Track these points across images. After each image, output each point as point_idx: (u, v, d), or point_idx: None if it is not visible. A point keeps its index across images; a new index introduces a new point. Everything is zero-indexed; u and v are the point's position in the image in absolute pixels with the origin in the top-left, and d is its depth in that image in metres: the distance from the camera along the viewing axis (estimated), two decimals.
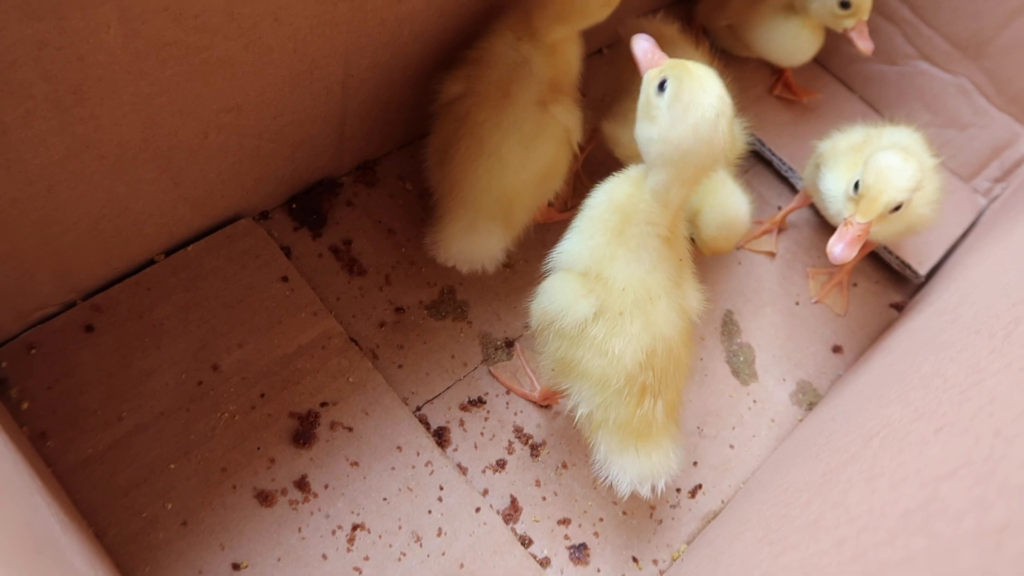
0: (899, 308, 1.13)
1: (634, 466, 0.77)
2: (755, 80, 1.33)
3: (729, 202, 0.95)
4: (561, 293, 0.77)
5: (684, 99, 0.70)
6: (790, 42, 1.19)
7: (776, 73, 1.33)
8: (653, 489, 0.77)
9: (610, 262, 0.76)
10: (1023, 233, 0.85)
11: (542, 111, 0.90)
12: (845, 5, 1.08)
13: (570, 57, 0.94)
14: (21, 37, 0.59)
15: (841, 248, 0.87)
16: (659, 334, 0.75)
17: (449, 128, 0.91)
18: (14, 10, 0.57)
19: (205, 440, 0.80)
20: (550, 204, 1.02)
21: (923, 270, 1.13)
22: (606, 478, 0.79)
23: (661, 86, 0.73)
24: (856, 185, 0.90)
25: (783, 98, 1.31)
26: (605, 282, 0.76)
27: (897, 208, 0.88)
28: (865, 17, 1.10)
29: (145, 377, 0.82)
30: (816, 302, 1.10)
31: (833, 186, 0.99)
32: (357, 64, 0.88)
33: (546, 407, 0.92)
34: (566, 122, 0.91)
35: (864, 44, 1.11)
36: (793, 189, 1.21)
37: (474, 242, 0.90)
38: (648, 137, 0.73)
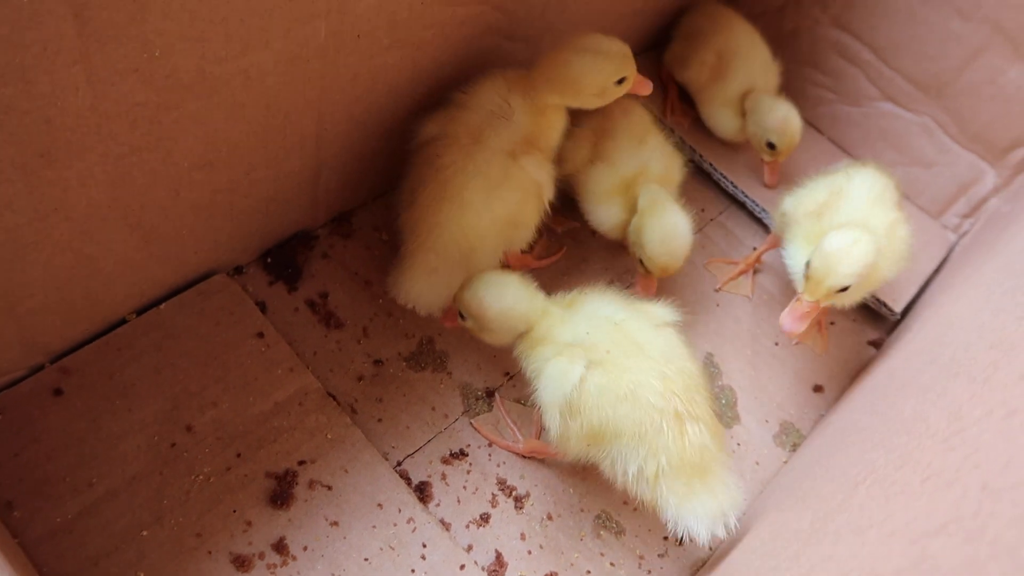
0: (877, 345, 1.14)
1: (706, 507, 0.76)
2: None
3: (667, 218, 0.98)
4: (552, 378, 0.79)
5: None
6: (729, 136, 1.26)
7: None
8: (727, 528, 0.77)
9: (560, 324, 0.82)
10: (993, 270, 0.86)
11: (511, 160, 0.90)
12: (771, 146, 1.17)
13: (554, 123, 0.96)
14: None
15: (790, 322, 0.92)
16: (654, 351, 0.76)
17: (419, 170, 0.92)
18: None
19: (179, 504, 0.77)
20: (524, 252, 1.02)
21: (898, 307, 1.14)
22: (682, 534, 0.77)
23: None
24: (808, 263, 0.93)
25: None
26: (571, 340, 0.80)
27: (844, 289, 0.91)
28: (781, 160, 1.20)
29: (116, 441, 0.79)
30: (797, 343, 1.10)
31: (791, 260, 1.02)
32: (331, 118, 0.89)
33: (530, 458, 0.91)
34: (536, 176, 0.92)
35: (769, 179, 1.24)
36: (767, 229, 1.22)
37: (433, 285, 0.90)
38: None
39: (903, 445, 0.53)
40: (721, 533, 0.76)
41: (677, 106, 1.33)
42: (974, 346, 0.59)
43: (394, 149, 1.02)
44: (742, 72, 1.23)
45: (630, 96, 0.98)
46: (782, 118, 1.15)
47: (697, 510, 0.76)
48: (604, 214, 1.03)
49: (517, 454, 0.91)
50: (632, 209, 1.01)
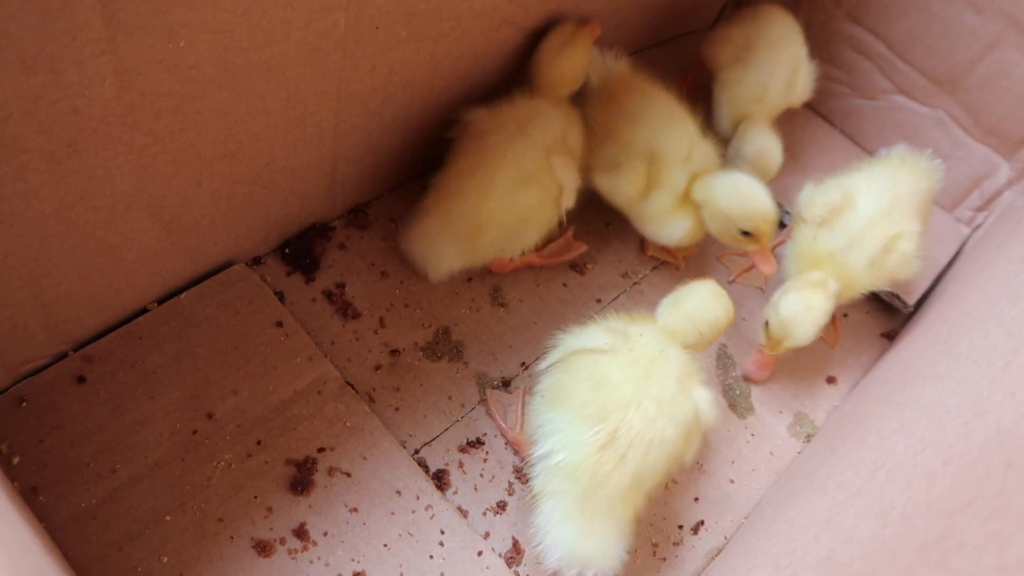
0: (890, 337, 1.14)
1: (579, 542, 0.75)
2: None
3: (734, 180, 1.02)
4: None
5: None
6: (721, 116, 1.22)
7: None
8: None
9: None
10: (1008, 260, 0.86)
11: (545, 159, 0.94)
12: (746, 233, 1.02)
13: (576, 117, 1.02)
14: (16, 91, 0.59)
15: (754, 371, 1.02)
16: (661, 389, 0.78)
17: (463, 143, 0.96)
18: (9, 65, 0.57)
19: (201, 490, 0.78)
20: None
21: (912, 300, 1.14)
22: (540, 545, 0.76)
23: None
24: (766, 323, 0.99)
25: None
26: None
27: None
28: (768, 245, 1.04)
29: (138, 427, 0.80)
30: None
31: (787, 261, 1.08)
32: (348, 110, 0.89)
33: (516, 453, 0.91)
34: (561, 178, 0.96)
35: (768, 269, 1.06)
36: (781, 224, 1.22)
37: (429, 247, 0.95)
38: None
39: (922, 431, 0.54)
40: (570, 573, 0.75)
41: (688, 94, 1.32)
42: (992, 334, 0.60)
43: (410, 142, 1.03)
44: (765, 63, 1.18)
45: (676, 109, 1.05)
46: (745, 201, 1.00)
47: (570, 538, 0.75)
48: (676, 230, 1.04)
49: (506, 441, 0.91)
50: (695, 209, 1.03)
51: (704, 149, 1.05)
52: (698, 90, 1.34)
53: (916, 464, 0.47)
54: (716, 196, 0.99)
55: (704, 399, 0.80)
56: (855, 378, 1.08)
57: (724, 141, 1.19)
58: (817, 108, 1.41)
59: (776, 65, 1.19)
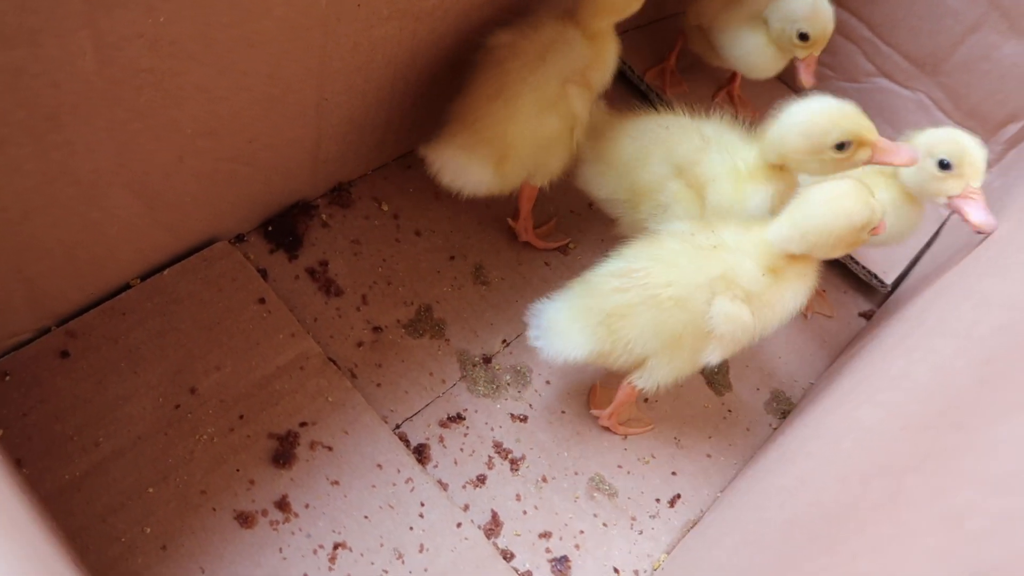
0: (867, 317, 1.16)
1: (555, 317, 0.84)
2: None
3: None
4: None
5: None
6: (754, 57, 1.18)
7: (722, 84, 1.36)
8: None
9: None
10: (987, 241, 0.87)
11: (563, 87, 0.93)
12: (804, 36, 1.07)
13: (609, 53, 0.97)
14: None
15: (984, 214, 0.87)
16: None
17: (483, 69, 0.94)
18: None
19: (184, 463, 0.79)
20: (535, 228, 1.07)
21: (889, 279, 1.16)
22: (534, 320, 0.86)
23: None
24: (943, 164, 0.89)
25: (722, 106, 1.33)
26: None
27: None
28: (818, 52, 1.09)
29: (122, 402, 0.81)
30: (807, 317, 1.13)
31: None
32: (331, 88, 0.90)
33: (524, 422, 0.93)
34: (575, 108, 0.94)
35: (807, 78, 1.11)
36: None
37: (466, 160, 0.93)
38: None
39: (889, 400, 0.55)
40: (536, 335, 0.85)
41: (668, 73, 1.34)
42: (959, 308, 0.61)
43: (393, 120, 1.03)
44: None
45: None
46: (808, 2, 1.05)
47: (556, 314, 0.84)
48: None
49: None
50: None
51: None
52: (682, 71, 1.36)
53: (879, 431, 0.49)
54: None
55: (719, 308, 0.80)
56: (832, 356, 1.10)
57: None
58: (800, 90, 1.42)
59: None
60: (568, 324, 0.84)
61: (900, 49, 1.32)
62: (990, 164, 1.29)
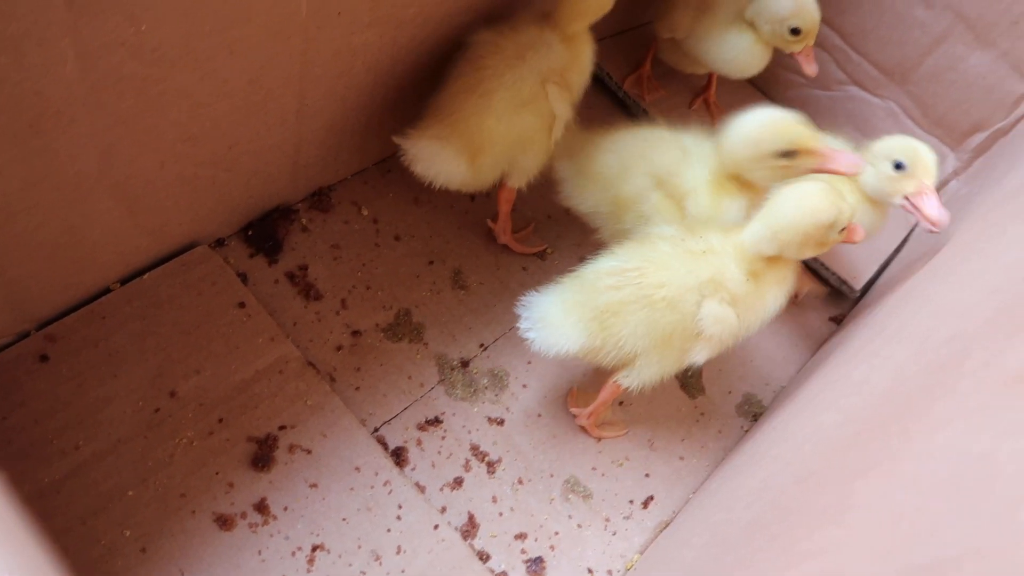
0: (838, 321, 1.19)
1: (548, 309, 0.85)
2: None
3: None
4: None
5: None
6: (742, 56, 1.19)
7: (698, 92, 1.39)
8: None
9: None
10: (950, 248, 0.90)
11: (541, 87, 0.95)
12: (796, 31, 1.11)
13: (584, 56, 1.00)
14: None
15: (937, 209, 0.92)
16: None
17: (461, 65, 0.96)
18: None
19: (163, 466, 0.80)
20: (514, 232, 1.08)
21: (858, 285, 1.18)
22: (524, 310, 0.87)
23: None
24: (898, 165, 0.94)
25: (699, 115, 1.37)
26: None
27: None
28: (812, 42, 1.13)
29: (101, 405, 0.82)
30: (795, 302, 1.15)
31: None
32: (311, 94, 0.91)
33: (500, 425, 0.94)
34: (555, 107, 0.96)
35: (810, 68, 1.15)
36: None
37: (440, 150, 0.94)
38: None
39: (849, 406, 0.58)
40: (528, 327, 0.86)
41: (644, 81, 1.36)
42: (919, 315, 0.63)
43: (373, 125, 1.05)
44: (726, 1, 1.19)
45: None
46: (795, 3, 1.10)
47: (549, 306, 0.86)
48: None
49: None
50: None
51: None
52: (659, 77, 1.38)
53: (837, 436, 0.51)
54: (766, 2, 1.11)
55: (708, 310, 0.83)
56: (803, 360, 1.12)
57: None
58: (774, 97, 1.45)
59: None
60: (561, 317, 0.85)
61: (870, 58, 1.35)
62: (958, 172, 1.33)
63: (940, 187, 1.34)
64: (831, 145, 0.91)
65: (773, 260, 0.86)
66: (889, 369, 0.57)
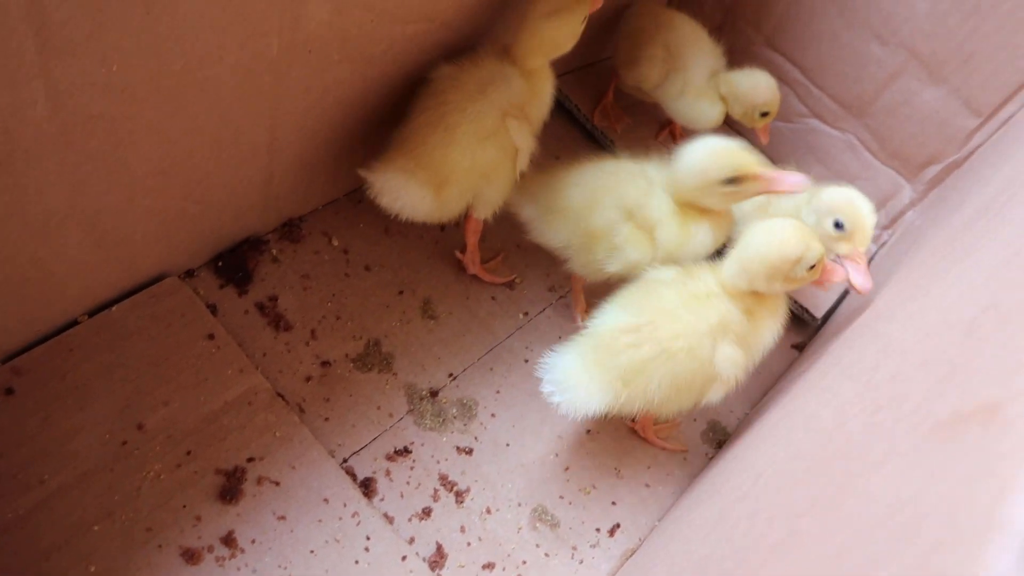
0: (799, 348, 1.22)
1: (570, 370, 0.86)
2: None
3: (751, 73, 1.21)
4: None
5: None
6: (709, 123, 1.26)
7: (664, 123, 1.43)
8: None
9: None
10: (897, 280, 0.93)
11: (502, 121, 0.97)
12: (765, 114, 1.22)
13: (545, 90, 1.03)
14: None
15: (863, 278, 0.94)
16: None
17: (423, 99, 0.98)
18: None
19: (130, 500, 0.80)
20: (482, 263, 1.10)
21: (819, 313, 1.22)
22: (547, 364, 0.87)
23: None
24: (838, 224, 0.98)
25: (665, 145, 1.41)
26: None
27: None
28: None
29: (67, 438, 0.82)
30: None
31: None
32: (282, 128, 0.92)
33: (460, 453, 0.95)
34: (517, 141, 0.99)
35: (765, 139, 1.26)
36: None
37: (405, 183, 0.95)
38: None
39: (799, 440, 0.60)
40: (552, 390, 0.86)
41: (609, 110, 1.39)
42: (867, 350, 0.66)
43: (344, 157, 1.06)
44: (698, 59, 1.25)
45: None
46: (767, 87, 1.20)
47: (571, 366, 0.86)
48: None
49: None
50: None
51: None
52: (624, 108, 1.41)
53: (787, 471, 0.53)
54: (741, 87, 1.20)
55: (723, 354, 0.86)
56: (764, 388, 1.15)
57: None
58: (739, 128, 1.49)
59: (705, 50, 1.27)
60: (586, 381, 0.85)
61: (829, 92, 1.39)
62: (914, 203, 1.38)
63: (898, 217, 1.38)
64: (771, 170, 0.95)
65: (759, 295, 0.89)
66: (835, 407, 0.59)
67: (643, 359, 0.85)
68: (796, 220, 0.90)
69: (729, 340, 0.86)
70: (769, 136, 1.28)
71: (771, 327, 0.90)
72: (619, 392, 0.85)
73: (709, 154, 0.93)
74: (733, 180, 0.92)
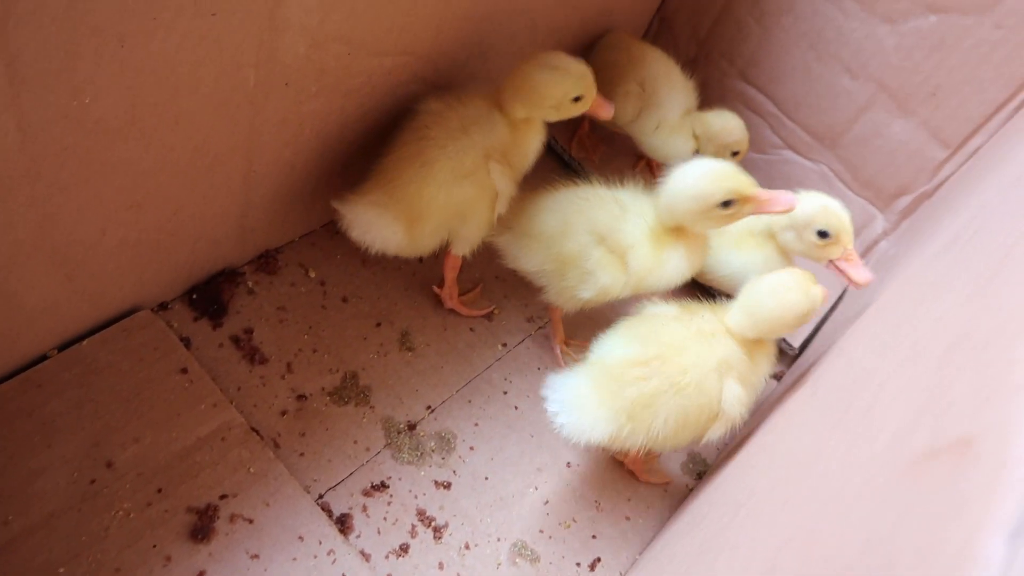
0: (778, 378, 1.22)
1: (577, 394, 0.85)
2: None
3: (720, 115, 1.26)
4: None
5: None
6: (682, 159, 1.27)
7: (641, 154, 1.44)
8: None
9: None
10: (874, 309, 0.94)
11: (483, 160, 0.96)
12: (735, 153, 1.24)
13: (528, 140, 1.02)
14: None
15: (863, 271, 0.99)
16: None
17: (406, 132, 0.97)
18: None
19: (98, 540, 0.78)
20: (460, 295, 1.10)
21: (796, 343, 1.22)
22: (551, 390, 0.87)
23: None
24: (822, 233, 1.00)
25: (643, 175, 1.42)
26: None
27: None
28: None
29: (34, 477, 0.80)
30: None
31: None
32: (259, 160, 0.92)
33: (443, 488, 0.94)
34: (498, 184, 0.98)
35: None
36: None
37: (376, 216, 0.95)
38: None
39: (779, 473, 0.59)
40: (557, 409, 0.85)
41: (586, 140, 1.40)
42: (841, 381, 0.66)
43: (321, 189, 1.06)
44: (673, 96, 1.27)
45: None
46: (737, 127, 1.23)
47: (578, 390, 0.85)
48: (680, 146, 1.23)
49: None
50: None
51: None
52: (600, 139, 1.43)
53: (766, 503, 0.53)
54: (713, 128, 1.23)
55: (730, 391, 0.86)
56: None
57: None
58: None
59: (678, 86, 1.29)
60: (593, 406, 0.85)
61: (802, 124, 1.41)
62: (887, 232, 1.40)
63: (872, 246, 1.40)
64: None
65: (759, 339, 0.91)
66: (813, 438, 0.59)
67: (652, 393, 0.84)
68: (794, 271, 0.91)
69: (734, 378, 0.87)
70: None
71: (766, 367, 0.91)
72: (623, 424, 0.84)
73: (706, 176, 0.93)
74: (729, 202, 0.92)
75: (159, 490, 0.82)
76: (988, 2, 1.16)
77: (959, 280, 0.56)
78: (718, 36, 1.48)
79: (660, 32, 1.55)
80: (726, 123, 1.24)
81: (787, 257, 1.10)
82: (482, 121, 0.98)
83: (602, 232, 0.98)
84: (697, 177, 0.93)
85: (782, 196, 0.93)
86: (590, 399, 0.85)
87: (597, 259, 0.98)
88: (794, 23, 1.36)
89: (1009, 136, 1.09)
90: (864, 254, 1.40)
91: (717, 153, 1.24)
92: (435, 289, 1.11)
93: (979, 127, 1.24)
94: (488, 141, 0.97)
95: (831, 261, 1.01)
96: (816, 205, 1.01)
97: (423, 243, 0.99)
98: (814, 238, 1.01)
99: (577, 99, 0.98)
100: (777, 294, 0.87)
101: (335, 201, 0.96)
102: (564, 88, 0.96)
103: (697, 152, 1.28)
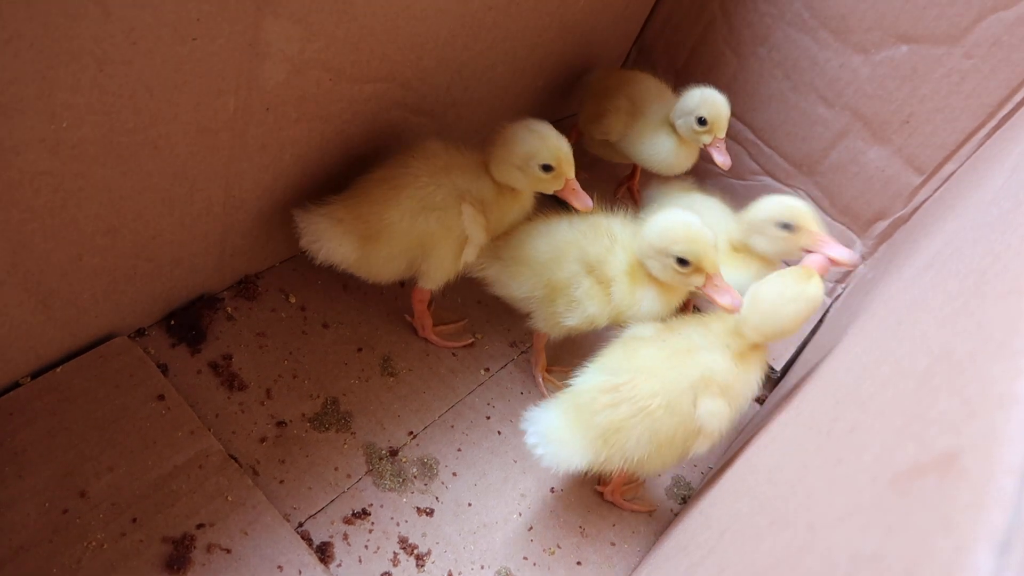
0: (760, 402, 1.22)
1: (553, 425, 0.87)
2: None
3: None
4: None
5: None
6: (668, 156, 1.26)
7: (623, 180, 1.45)
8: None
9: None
10: (852, 332, 0.95)
11: (455, 201, 0.96)
12: (702, 122, 1.18)
13: (509, 209, 1.02)
14: None
15: (839, 247, 1.01)
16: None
17: (393, 156, 0.98)
18: None
19: (69, 573, 0.76)
20: (435, 325, 1.09)
21: (779, 366, 1.23)
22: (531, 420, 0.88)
23: None
24: (785, 226, 1.03)
25: (624, 201, 1.43)
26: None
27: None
28: (721, 134, 1.19)
29: (3, 509, 0.77)
30: None
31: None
32: (238, 186, 0.91)
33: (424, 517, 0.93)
34: (468, 227, 0.97)
35: (721, 159, 1.19)
36: None
37: (327, 229, 0.95)
38: None
39: (763, 494, 0.59)
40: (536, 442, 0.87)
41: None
42: (823, 401, 0.66)
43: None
44: (658, 105, 1.27)
45: None
46: (699, 93, 1.18)
47: (554, 422, 0.87)
48: (664, 141, 1.23)
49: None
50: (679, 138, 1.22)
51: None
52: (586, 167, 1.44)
53: (752, 525, 0.52)
54: (679, 103, 1.19)
55: (706, 409, 0.86)
56: (728, 441, 1.14)
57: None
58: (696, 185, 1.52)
59: (666, 99, 1.28)
60: (569, 437, 0.86)
61: (780, 151, 1.43)
62: (865, 257, 1.41)
63: (850, 271, 1.41)
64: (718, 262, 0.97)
65: (756, 346, 0.91)
66: (797, 460, 0.59)
67: (620, 418, 0.85)
68: (792, 272, 0.92)
69: (711, 394, 0.86)
70: (726, 156, 1.20)
71: (757, 376, 0.91)
72: (599, 451, 0.86)
73: (672, 228, 0.93)
74: (684, 262, 0.93)
75: (134, 520, 0.80)
76: (957, 33, 1.19)
77: (938, 300, 0.56)
78: (695, 66, 1.51)
79: (638, 62, 1.58)
80: (688, 93, 1.20)
81: (771, 268, 1.10)
82: (469, 170, 0.98)
83: (591, 262, 0.99)
84: (661, 227, 0.94)
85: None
86: (565, 430, 0.86)
87: (586, 289, 0.99)
88: (769, 53, 1.39)
89: (982, 161, 1.12)
90: (844, 278, 1.42)
91: (686, 127, 1.20)
92: (407, 317, 1.10)
93: (952, 153, 1.26)
94: (467, 186, 0.97)
95: (805, 251, 1.03)
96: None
97: (380, 267, 0.99)
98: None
99: (547, 168, 0.96)
100: (793, 302, 0.88)
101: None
102: (530, 148, 0.94)
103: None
